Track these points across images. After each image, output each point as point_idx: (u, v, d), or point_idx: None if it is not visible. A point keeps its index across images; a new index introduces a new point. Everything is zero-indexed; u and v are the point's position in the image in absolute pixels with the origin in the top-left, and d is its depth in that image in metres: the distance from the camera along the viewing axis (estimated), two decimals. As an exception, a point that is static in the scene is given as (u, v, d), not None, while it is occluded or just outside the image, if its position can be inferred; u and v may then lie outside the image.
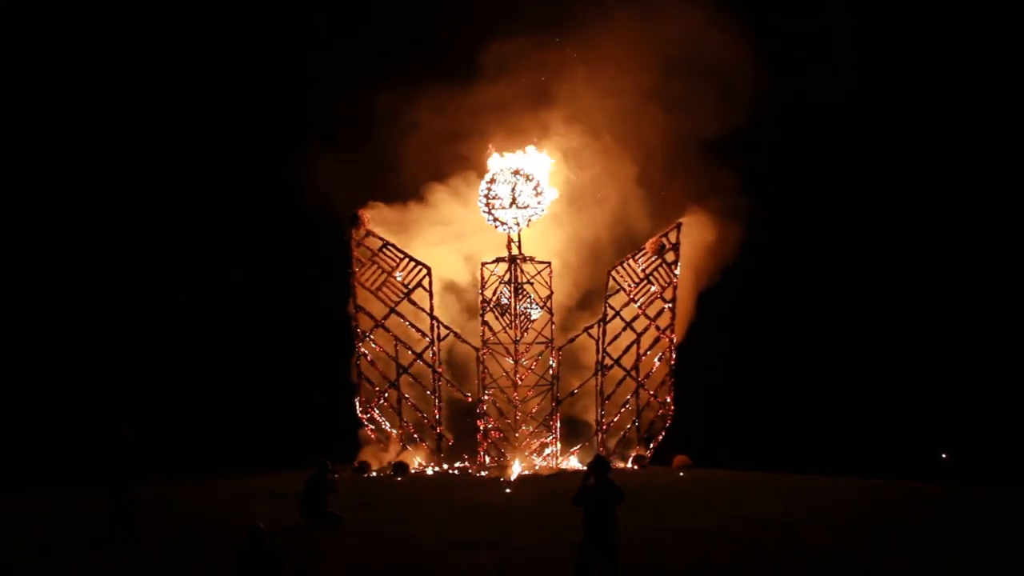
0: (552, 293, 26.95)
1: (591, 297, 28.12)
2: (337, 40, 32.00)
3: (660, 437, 27.42)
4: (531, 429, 26.77)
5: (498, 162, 27.04)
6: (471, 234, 27.68)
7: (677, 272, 27.15)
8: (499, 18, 28.00)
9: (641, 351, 27.08)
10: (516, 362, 26.56)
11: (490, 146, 27.26)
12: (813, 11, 28.21)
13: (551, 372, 26.82)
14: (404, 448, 26.82)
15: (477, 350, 26.79)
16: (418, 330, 26.64)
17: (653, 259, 26.89)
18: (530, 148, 27.43)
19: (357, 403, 26.86)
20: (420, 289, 26.54)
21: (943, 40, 31.76)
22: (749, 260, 28.38)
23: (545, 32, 28.43)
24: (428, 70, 28.29)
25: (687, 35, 27.76)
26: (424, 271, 26.50)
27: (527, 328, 26.73)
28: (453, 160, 28.11)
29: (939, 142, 32.12)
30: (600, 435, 26.92)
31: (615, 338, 26.92)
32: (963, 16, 31.52)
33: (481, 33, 27.97)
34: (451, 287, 28.09)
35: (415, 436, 26.91)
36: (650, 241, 26.97)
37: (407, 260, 26.59)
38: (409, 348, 26.75)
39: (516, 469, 25.85)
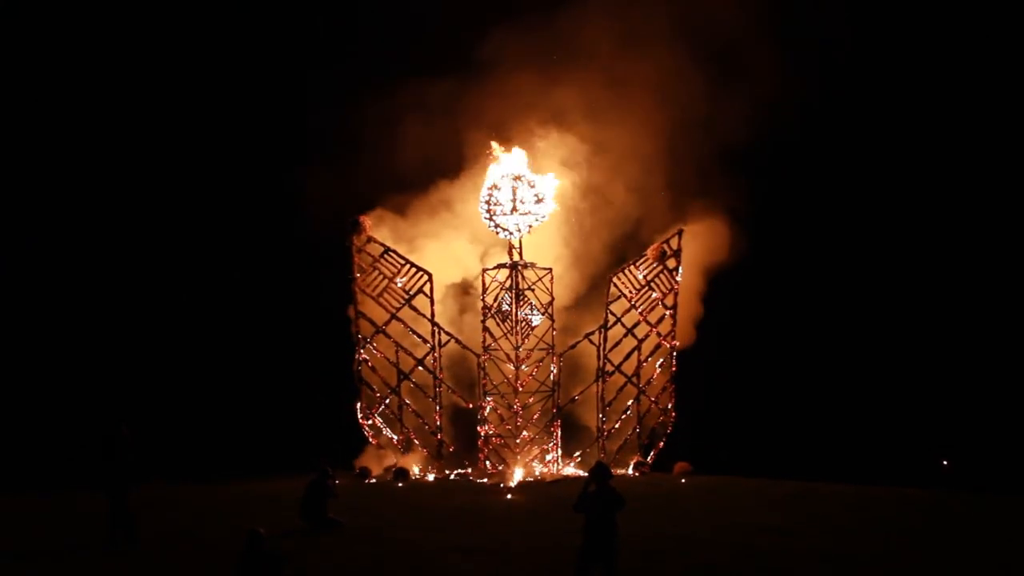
0: (553, 299, 26.95)
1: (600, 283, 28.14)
2: (339, 41, 32.06)
3: (661, 444, 27.41)
4: (532, 435, 26.76)
5: (499, 167, 27.04)
6: (483, 231, 27.66)
7: (678, 278, 27.16)
8: (512, 9, 28.09)
9: (642, 357, 27.08)
10: (517, 368, 26.56)
11: (490, 153, 27.31)
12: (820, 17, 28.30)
13: (552, 378, 26.83)
14: (403, 453, 26.78)
15: (478, 356, 26.80)
16: (419, 336, 26.64)
17: (654, 265, 26.90)
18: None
19: (358, 409, 26.85)
20: (421, 295, 26.56)
21: (947, 46, 31.84)
22: (750, 266, 28.40)
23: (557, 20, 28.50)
24: (432, 67, 28.34)
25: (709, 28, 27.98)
26: (425, 277, 26.51)
27: (528, 334, 26.73)
28: (461, 157, 28.12)
29: (937, 145, 32.19)
30: (601, 441, 26.91)
31: (616, 344, 26.92)
32: (967, 22, 31.62)
33: (494, 23, 28.00)
34: (462, 286, 28.16)
35: (416, 441, 26.89)
36: (651, 247, 27.00)
37: (408, 266, 26.60)
38: (410, 354, 26.76)
39: (517, 475, 25.85)
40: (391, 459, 26.75)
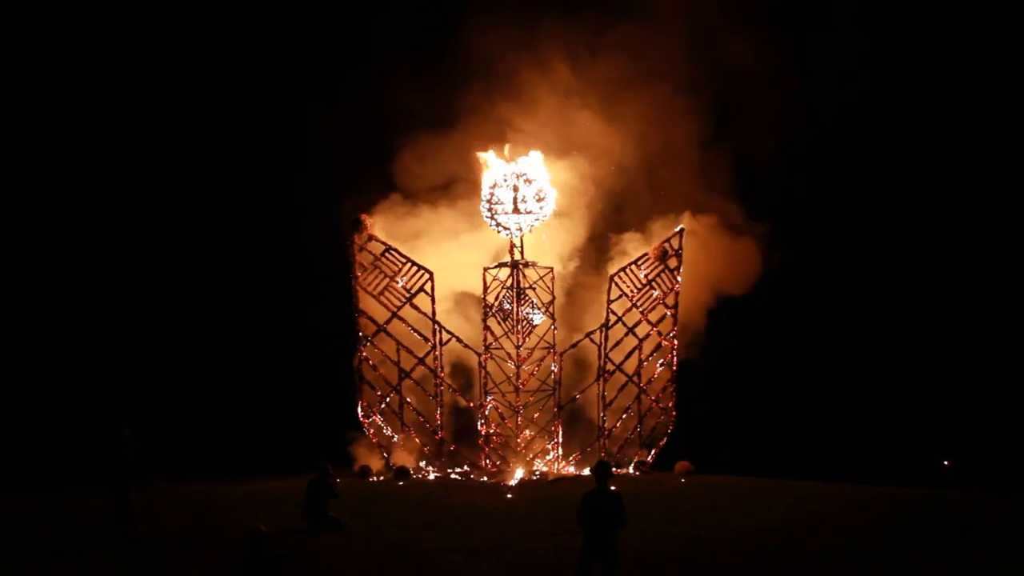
0: (554, 298, 26.95)
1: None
2: (339, 40, 32.10)
3: (662, 443, 27.41)
4: (532, 434, 26.75)
5: (502, 165, 27.04)
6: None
7: (679, 278, 27.14)
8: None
9: (643, 357, 27.06)
10: (518, 367, 26.56)
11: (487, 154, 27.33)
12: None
13: (553, 377, 26.83)
14: (393, 446, 26.71)
15: (479, 355, 26.80)
16: (420, 334, 26.63)
17: (656, 265, 26.89)
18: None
19: (359, 407, 26.83)
20: (422, 294, 26.55)
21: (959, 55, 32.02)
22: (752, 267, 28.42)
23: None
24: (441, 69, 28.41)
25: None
26: (426, 276, 26.51)
27: (529, 333, 26.73)
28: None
29: (936, 147, 32.31)
30: (602, 441, 26.91)
31: (617, 344, 26.91)
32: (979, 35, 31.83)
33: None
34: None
35: (416, 440, 26.87)
36: (653, 247, 26.99)
37: (409, 265, 26.60)
38: (411, 352, 26.75)
39: (517, 474, 25.85)
40: (381, 457, 26.78)
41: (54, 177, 32.20)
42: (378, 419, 26.84)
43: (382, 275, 26.63)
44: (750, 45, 27.91)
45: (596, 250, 28.73)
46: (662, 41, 28.07)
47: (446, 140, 27.90)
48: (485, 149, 27.27)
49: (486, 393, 26.71)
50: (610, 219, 28.82)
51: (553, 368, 26.80)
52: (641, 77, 28.14)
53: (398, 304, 26.58)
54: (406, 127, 28.08)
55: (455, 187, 28.27)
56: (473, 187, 27.55)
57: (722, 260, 27.78)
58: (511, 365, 26.64)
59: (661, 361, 27.20)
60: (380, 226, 27.18)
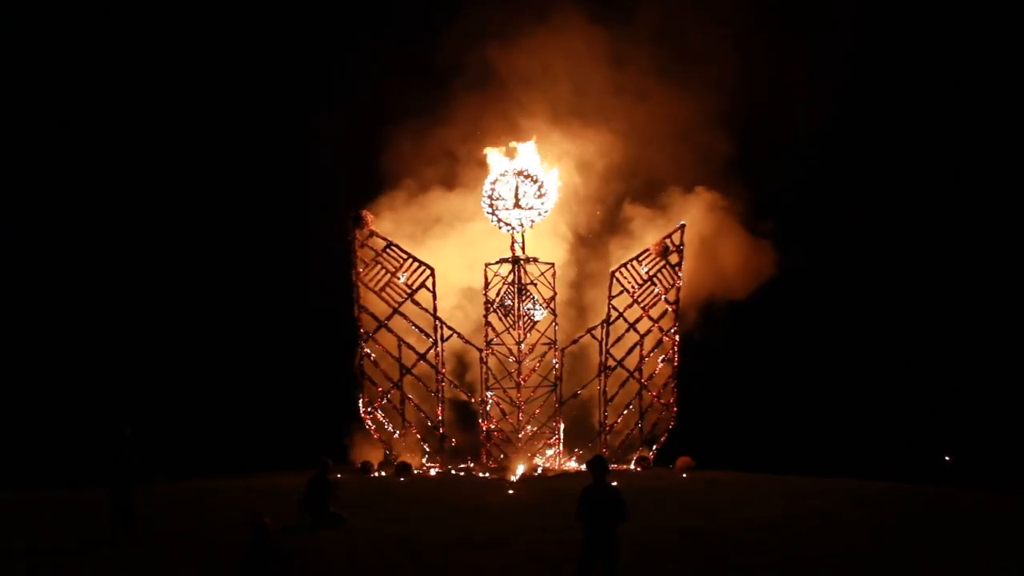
0: (555, 294, 26.92)
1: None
2: (343, 41, 32.12)
3: (663, 438, 27.38)
4: (534, 430, 26.74)
5: (504, 161, 27.04)
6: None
7: (680, 274, 27.11)
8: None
9: (644, 352, 27.03)
10: (519, 363, 26.54)
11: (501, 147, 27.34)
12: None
13: (554, 373, 26.81)
14: (394, 442, 26.72)
15: (480, 351, 26.78)
16: (421, 331, 26.62)
17: (657, 260, 26.86)
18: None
19: (360, 403, 26.82)
20: (424, 290, 26.54)
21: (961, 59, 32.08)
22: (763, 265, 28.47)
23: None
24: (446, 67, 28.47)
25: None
26: (428, 272, 26.49)
27: (530, 329, 26.71)
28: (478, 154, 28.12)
29: (936, 148, 32.35)
30: (603, 436, 26.89)
31: (618, 339, 26.89)
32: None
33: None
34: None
35: (418, 436, 26.87)
36: (654, 243, 26.96)
37: (411, 261, 26.59)
38: (412, 348, 26.74)
39: (519, 470, 25.84)
40: (383, 453, 26.79)
41: (54, 177, 32.22)
42: (379, 415, 26.85)
43: (383, 271, 26.63)
44: (764, 44, 28.02)
45: (603, 230, 28.87)
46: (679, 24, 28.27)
47: (448, 121, 27.99)
48: (491, 129, 27.40)
49: (487, 389, 26.70)
50: (618, 196, 28.92)
51: (554, 364, 26.78)
52: (655, 57, 28.29)
53: (399, 300, 26.58)
54: (407, 114, 28.20)
55: (468, 170, 28.38)
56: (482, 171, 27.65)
57: (734, 250, 27.77)
58: (512, 361, 26.62)
59: (662, 357, 27.19)
60: (393, 218, 27.29)
